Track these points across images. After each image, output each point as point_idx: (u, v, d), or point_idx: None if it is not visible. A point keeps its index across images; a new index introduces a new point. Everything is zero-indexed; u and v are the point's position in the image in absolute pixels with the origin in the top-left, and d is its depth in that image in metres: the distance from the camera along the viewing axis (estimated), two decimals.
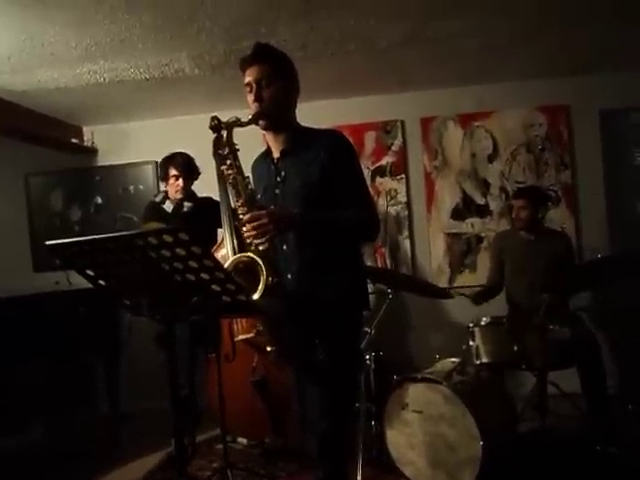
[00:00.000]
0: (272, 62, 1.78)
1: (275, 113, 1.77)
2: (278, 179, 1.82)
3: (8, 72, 3.10)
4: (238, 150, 1.79)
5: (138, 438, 3.51)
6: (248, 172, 1.91)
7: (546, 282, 2.96)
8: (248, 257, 1.71)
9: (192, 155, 3.28)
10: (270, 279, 1.65)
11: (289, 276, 1.77)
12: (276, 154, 1.85)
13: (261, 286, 1.63)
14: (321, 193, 1.75)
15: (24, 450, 3.50)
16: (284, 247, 1.79)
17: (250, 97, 1.78)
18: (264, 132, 1.85)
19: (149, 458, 3.22)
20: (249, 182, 1.81)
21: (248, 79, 1.78)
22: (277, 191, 1.82)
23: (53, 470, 3.17)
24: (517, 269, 3.27)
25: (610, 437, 2.81)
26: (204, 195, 3.30)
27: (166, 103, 4.00)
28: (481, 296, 3.26)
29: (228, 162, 1.77)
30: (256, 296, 1.62)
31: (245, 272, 1.68)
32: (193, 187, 3.33)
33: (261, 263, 1.66)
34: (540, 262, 3.15)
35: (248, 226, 1.66)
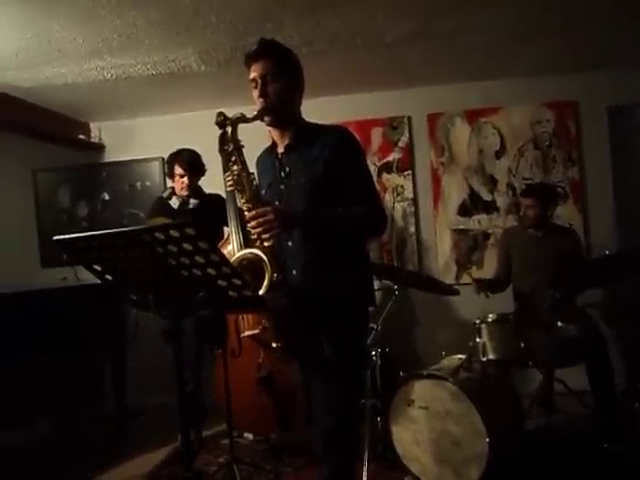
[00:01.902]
0: (277, 58, 1.77)
1: (280, 109, 1.76)
2: (283, 174, 1.82)
3: (15, 69, 3.12)
4: (243, 146, 1.78)
5: (145, 433, 3.54)
6: (253, 168, 1.91)
7: (554, 279, 2.94)
8: (253, 254, 1.71)
9: (199, 151, 3.29)
10: (275, 275, 1.65)
11: (294, 272, 1.77)
12: (281, 150, 1.85)
13: (266, 282, 1.63)
14: (326, 189, 1.75)
15: (30, 444, 3.52)
16: (289, 243, 1.79)
17: (255, 93, 1.77)
18: (269, 128, 1.84)
19: (156, 453, 3.24)
20: (254, 178, 1.80)
21: (253, 75, 1.77)
22: (282, 187, 1.82)
23: (59, 465, 3.19)
24: (525, 266, 3.25)
25: (617, 435, 2.80)
26: (211, 191, 3.32)
27: (173, 99, 4.00)
28: (485, 286, 3.19)
29: (233, 158, 1.77)
30: (261, 292, 1.62)
31: (250, 269, 1.68)
32: (200, 182, 3.34)
33: (266, 259, 1.66)
34: (548, 259, 3.13)
35: (253, 222, 1.66)
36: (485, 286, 3.17)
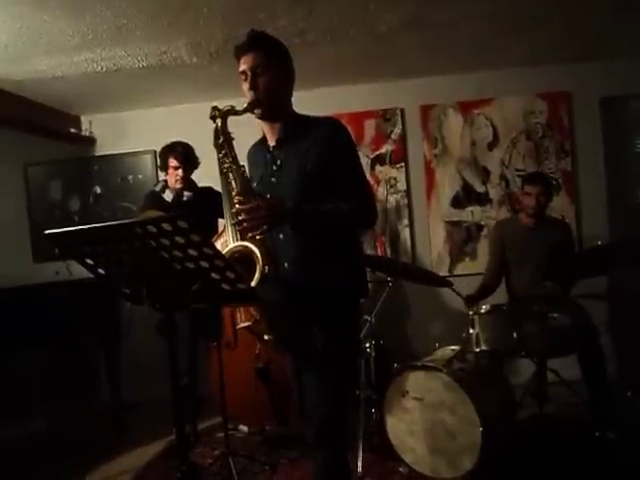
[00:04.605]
0: (267, 50, 1.76)
1: (270, 101, 1.75)
2: (274, 167, 1.81)
3: (4, 61, 3.08)
4: (233, 139, 1.78)
5: (140, 427, 3.54)
6: (244, 161, 1.90)
7: (547, 270, 2.95)
8: (244, 246, 1.71)
9: (191, 144, 3.27)
10: (266, 268, 1.65)
11: (286, 265, 1.77)
12: (272, 142, 1.84)
13: (257, 275, 1.63)
14: (317, 182, 1.74)
15: (26, 439, 3.52)
16: (281, 236, 1.78)
17: (245, 85, 1.76)
18: (259, 121, 1.83)
19: (151, 446, 3.24)
20: (245, 171, 1.80)
21: (243, 67, 1.76)
22: (273, 179, 1.81)
23: (55, 459, 3.19)
24: (518, 257, 3.26)
25: (609, 423, 2.83)
26: (204, 185, 3.30)
27: (164, 92, 3.97)
28: (475, 298, 3.14)
29: (224, 151, 1.76)
30: (252, 284, 1.62)
31: (242, 261, 1.67)
32: (193, 176, 3.33)
33: (257, 252, 1.66)
34: (541, 250, 3.15)
35: (244, 216, 1.66)
36: (475, 299, 3.12)
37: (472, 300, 3.10)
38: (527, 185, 3.25)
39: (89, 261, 1.51)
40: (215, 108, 1.75)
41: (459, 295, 3.02)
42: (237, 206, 1.70)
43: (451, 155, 4.12)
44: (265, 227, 1.67)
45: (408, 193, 4.16)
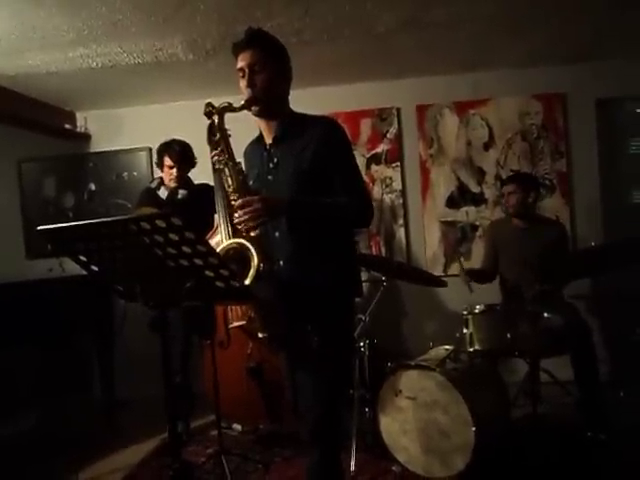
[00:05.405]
0: (265, 47, 1.76)
1: (268, 99, 1.76)
2: (271, 165, 1.82)
3: None
4: (230, 136, 1.77)
5: (133, 424, 3.53)
6: (241, 158, 1.89)
7: (540, 270, 2.96)
8: (239, 244, 1.70)
9: (187, 141, 3.25)
10: (261, 266, 1.65)
11: (281, 263, 1.77)
12: (268, 140, 1.84)
13: (252, 272, 1.63)
14: (313, 180, 1.75)
15: (19, 437, 3.50)
16: (276, 234, 1.79)
17: (242, 82, 1.77)
18: (257, 118, 1.83)
19: (144, 444, 3.23)
20: (241, 168, 1.80)
21: (241, 64, 1.76)
22: (270, 177, 1.82)
23: (47, 457, 3.17)
24: (511, 257, 3.27)
25: (601, 424, 2.84)
26: (200, 181, 3.29)
27: (160, 88, 3.96)
28: (474, 274, 3.21)
29: (220, 148, 1.76)
30: (247, 282, 1.62)
31: (236, 259, 1.67)
32: (190, 172, 3.31)
33: (252, 249, 1.66)
34: (534, 250, 3.16)
35: (240, 211, 1.66)
36: (473, 275, 3.18)
37: (470, 273, 3.14)
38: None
39: (82, 258, 1.50)
40: (209, 104, 1.75)
41: (460, 264, 3.16)
42: (233, 202, 1.70)
43: (447, 155, 4.12)
44: (262, 220, 1.66)
45: (403, 193, 4.16)
